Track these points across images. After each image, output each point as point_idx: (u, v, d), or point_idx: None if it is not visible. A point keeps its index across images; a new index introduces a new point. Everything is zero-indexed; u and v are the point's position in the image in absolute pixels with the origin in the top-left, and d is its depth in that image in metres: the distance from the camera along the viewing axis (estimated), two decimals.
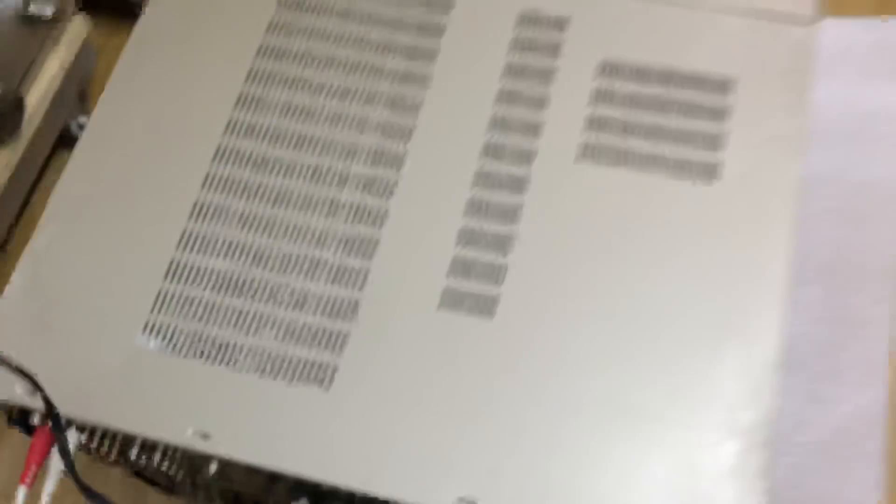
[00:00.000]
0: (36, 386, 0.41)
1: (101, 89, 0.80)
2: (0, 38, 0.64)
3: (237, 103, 0.49)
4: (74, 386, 0.43)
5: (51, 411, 0.42)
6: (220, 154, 0.48)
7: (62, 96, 0.72)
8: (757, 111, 0.47)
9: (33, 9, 0.67)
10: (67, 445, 0.42)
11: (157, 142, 0.49)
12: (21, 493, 0.43)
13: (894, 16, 0.66)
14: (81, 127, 0.80)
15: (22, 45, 0.68)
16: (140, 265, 0.46)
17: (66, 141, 0.79)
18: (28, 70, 0.69)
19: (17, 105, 0.65)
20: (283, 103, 0.49)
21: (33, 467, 0.43)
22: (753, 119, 0.46)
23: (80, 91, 0.77)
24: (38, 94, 0.70)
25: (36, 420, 0.43)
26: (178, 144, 0.48)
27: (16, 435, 0.48)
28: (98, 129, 0.49)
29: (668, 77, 0.48)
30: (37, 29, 0.68)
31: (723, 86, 0.48)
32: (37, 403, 0.42)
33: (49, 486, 0.43)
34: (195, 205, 0.47)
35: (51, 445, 0.43)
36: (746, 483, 0.39)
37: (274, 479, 0.43)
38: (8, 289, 0.45)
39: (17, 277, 0.45)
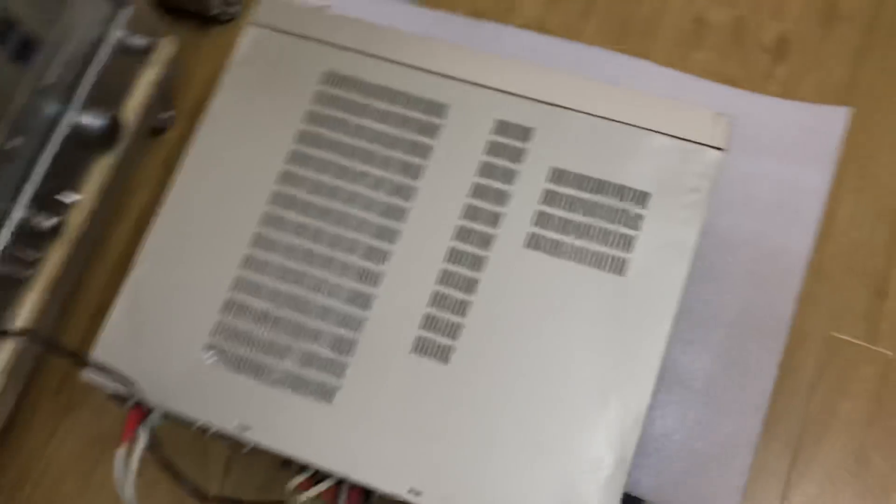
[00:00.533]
0: (131, 387, 0.61)
1: (184, 88, 0.98)
2: (105, 70, 0.81)
3: (278, 180, 0.66)
4: (158, 383, 0.62)
5: (142, 404, 0.61)
6: (265, 219, 0.65)
7: (152, 104, 0.90)
8: (662, 221, 0.62)
9: (132, 41, 0.83)
10: (154, 433, 0.61)
11: (219, 206, 0.66)
12: (120, 453, 0.63)
13: (831, 105, 0.77)
14: (166, 119, 0.97)
15: (122, 72, 0.85)
16: (204, 300, 0.64)
17: (153, 132, 0.97)
18: (126, 91, 0.86)
19: (116, 125, 0.83)
20: (313, 182, 0.66)
21: (130, 434, 0.63)
22: (658, 228, 0.61)
23: (166, 94, 0.94)
24: (133, 108, 0.87)
25: (131, 403, 0.63)
26: (235, 209, 0.66)
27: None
28: (179, 193, 0.67)
29: (601, 186, 0.63)
30: (134, 57, 0.85)
31: (641, 197, 0.62)
32: (132, 394, 0.62)
33: (140, 447, 0.63)
34: (246, 258, 0.65)
35: (142, 419, 0.63)
36: (611, 495, 0.57)
37: None
38: (114, 312, 0.64)
39: (120, 303, 0.64)
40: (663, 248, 0.61)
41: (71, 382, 0.87)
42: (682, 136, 0.63)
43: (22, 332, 0.60)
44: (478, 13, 0.96)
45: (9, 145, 0.73)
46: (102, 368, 0.60)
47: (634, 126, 0.64)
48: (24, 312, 0.77)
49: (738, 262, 0.74)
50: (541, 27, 0.95)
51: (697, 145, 0.63)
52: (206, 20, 0.99)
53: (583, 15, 0.97)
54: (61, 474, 0.84)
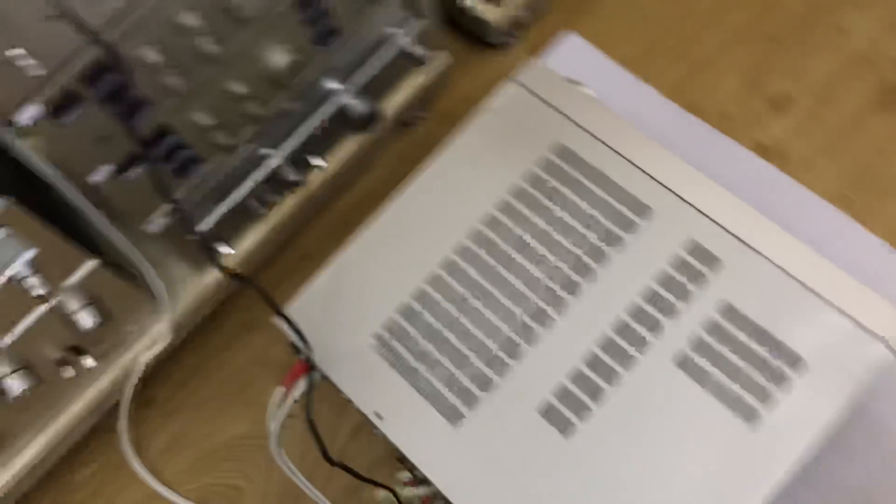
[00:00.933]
0: (305, 346, 0.72)
1: (441, 94, 1.08)
2: (382, 67, 0.93)
3: (483, 220, 0.74)
4: (326, 351, 0.73)
5: (309, 362, 0.72)
6: (459, 249, 0.74)
7: (411, 104, 1.00)
8: (806, 390, 0.64)
9: (412, 49, 0.94)
10: (310, 387, 0.72)
11: (429, 223, 0.75)
12: (279, 391, 0.74)
13: None
14: (416, 117, 1.08)
15: (396, 73, 0.96)
16: (388, 296, 0.74)
17: (402, 124, 1.08)
18: (392, 87, 0.97)
19: (375, 114, 0.94)
20: (510, 233, 0.74)
21: (291, 380, 0.74)
22: (800, 395, 0.64)
23: (425, 97, 1.05)
24: (394, 103, 0.98)
25: (301, 356, 0.74)
26: (440, 231, 0.75)
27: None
28: (402, 202, 0.77)
29: (762, 335, 0.66)
30: (410, 63, 0.96)
31: (794, 360, 0.65)
32: (305, 351, 0.73)
33: (295, 393, 0.74)
34: (433, 275, 0.74)
35: (303, 372, 0.74)
36: None
37: None
38: (315, 280, 0.76)
39: (324, 274, 0.76)
40: (797, 415, 0.63)
41: (260, 307, 1.01)
42: (857, 321, 0.65)
43: (233, 273, 0.71)
44: (723, 116, 0.99)
45: (288, 106, 0.86)
46: (289, 322, 0.71)
47: (816, 294, 0.66)
48: (246, 243, 0.91)
49: (877, 448, 0.74)
50: (779, 153, 0.97)
51: (869, 335, 0.64)
52: (481, 42, 1.09)
53: (828, 153, 0.97)
54: (226, 379, 0.98)
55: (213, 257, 0.68)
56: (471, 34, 1.09)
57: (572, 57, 0.98)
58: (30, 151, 0.67)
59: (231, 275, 0.68)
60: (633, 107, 0.93)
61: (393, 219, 0.77)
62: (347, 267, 0.76)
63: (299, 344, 0.72)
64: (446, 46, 1.01)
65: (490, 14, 1.02)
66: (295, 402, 0.73)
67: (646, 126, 0.88)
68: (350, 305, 0.74)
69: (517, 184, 0.75)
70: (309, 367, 0.73)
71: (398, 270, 0.74)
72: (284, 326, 0.73)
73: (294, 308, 0.75)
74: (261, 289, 0.69)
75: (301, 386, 0.73)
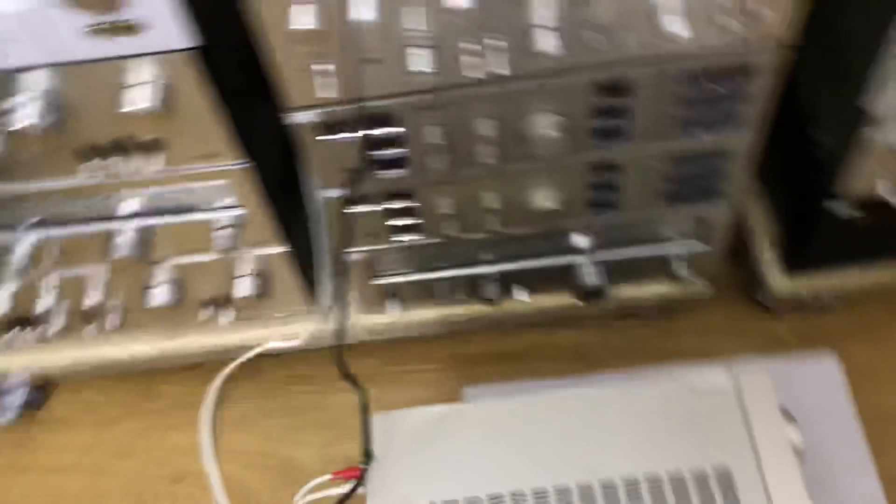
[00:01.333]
0: (368, 460, 0.69)
1: (672, 313, 1.00)
2: (636, 259, 0.88)
3: (601, 481, 0.68)
4: (385, 477, 0.70)
5: (362, 476, 0.70)
6: (558, 487, 0.68)
7: (639, 304, 0.94)
8: None
9: (678, 268, 0.88)
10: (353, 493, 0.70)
11: (548, 443, 0.70)
12: (327, 477, 0.73)
13: None
14: (638, 314, 1.01)
15: (647, 270, 0.90)
16: (468, 478, 0.69)
17: (623, 314, 1.01)
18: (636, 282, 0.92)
19: (602, 294, 0.88)
20: None
21: (339, 476, 0.72)
22: None
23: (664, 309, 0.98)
24: (625, 294, 0.92)
25: (362, 465, 0.72)
26: (550, 458, 0.69)
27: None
28: (543, 402, 0.72)
29: None
30: (667, 273, 0.90)
31: None
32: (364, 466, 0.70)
33: (339, 492, 0.72)
34: (518, 492, 0.68)
35: (354, 478, 0.71)
36: None
37: None
38: (426, 409, 0.73)
39: (435, 410, 0.73)
40: None
41: (387, 366, 0.99)
42: None
43: (347, 374, 0.69)
44: None
45: (526, 236, 0.83)
46: (366, 433, 0.69)
47: None
48: (410, 317, 0.92)
49: None
50: None
51: None
52: (748, 291, 0.99)
53: None
54: (322, 407, 0.97)
55: (341, 339, 0.67)
56: (744, 279, 1.00)
57: (817, 379, 0.87)
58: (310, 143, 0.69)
59: (343, 372, 0.67)
60: (840, 471, 0.81)
61: (531, 409, 0.72)
62: (459, 421, 0.72)
63: (363, 456, 0.70)
64: (711, 275, 0.93)
65: (774, 279, 0.93)
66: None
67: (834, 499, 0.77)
68: (433, 456, 0.71)
69: (658, 473, 0.68)
70: (361, 476, 0.71)
71: (495, 462, 0.70)
72: (364, 429, 0.71)
73: (388, 418, 0.72)
74: (364, 396, 0.67)
75: (345, 489, 0.71)
